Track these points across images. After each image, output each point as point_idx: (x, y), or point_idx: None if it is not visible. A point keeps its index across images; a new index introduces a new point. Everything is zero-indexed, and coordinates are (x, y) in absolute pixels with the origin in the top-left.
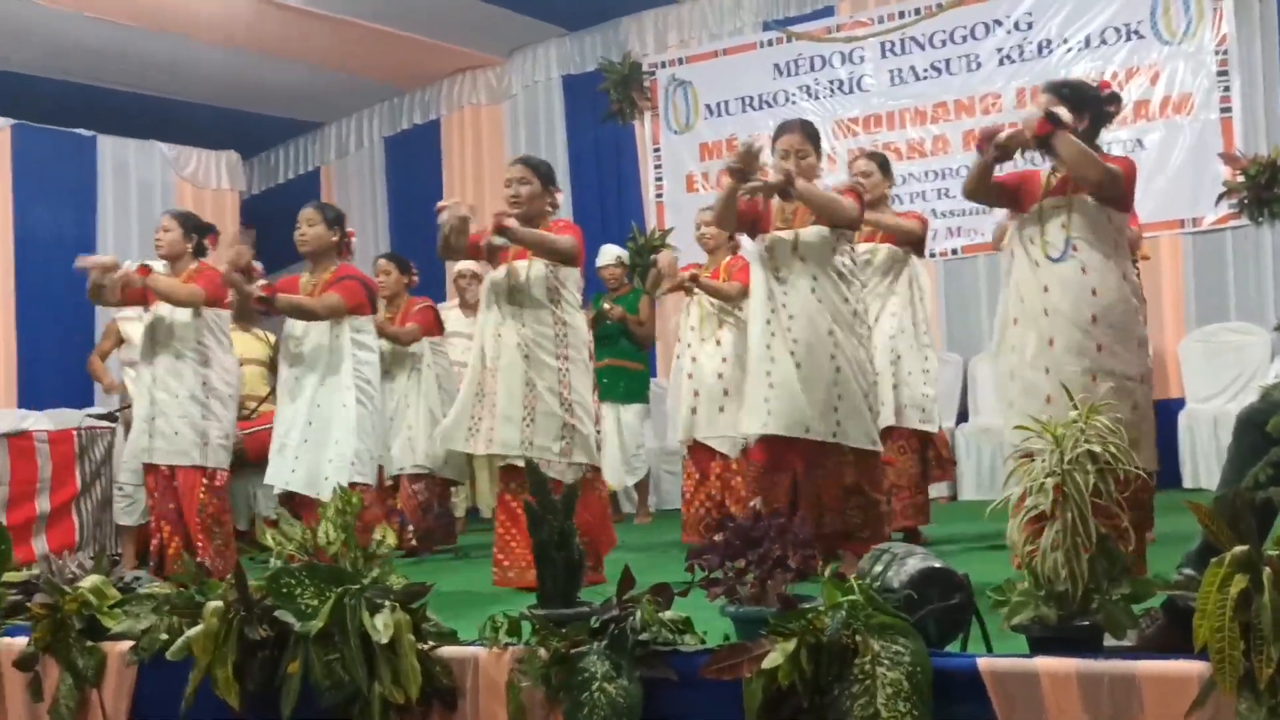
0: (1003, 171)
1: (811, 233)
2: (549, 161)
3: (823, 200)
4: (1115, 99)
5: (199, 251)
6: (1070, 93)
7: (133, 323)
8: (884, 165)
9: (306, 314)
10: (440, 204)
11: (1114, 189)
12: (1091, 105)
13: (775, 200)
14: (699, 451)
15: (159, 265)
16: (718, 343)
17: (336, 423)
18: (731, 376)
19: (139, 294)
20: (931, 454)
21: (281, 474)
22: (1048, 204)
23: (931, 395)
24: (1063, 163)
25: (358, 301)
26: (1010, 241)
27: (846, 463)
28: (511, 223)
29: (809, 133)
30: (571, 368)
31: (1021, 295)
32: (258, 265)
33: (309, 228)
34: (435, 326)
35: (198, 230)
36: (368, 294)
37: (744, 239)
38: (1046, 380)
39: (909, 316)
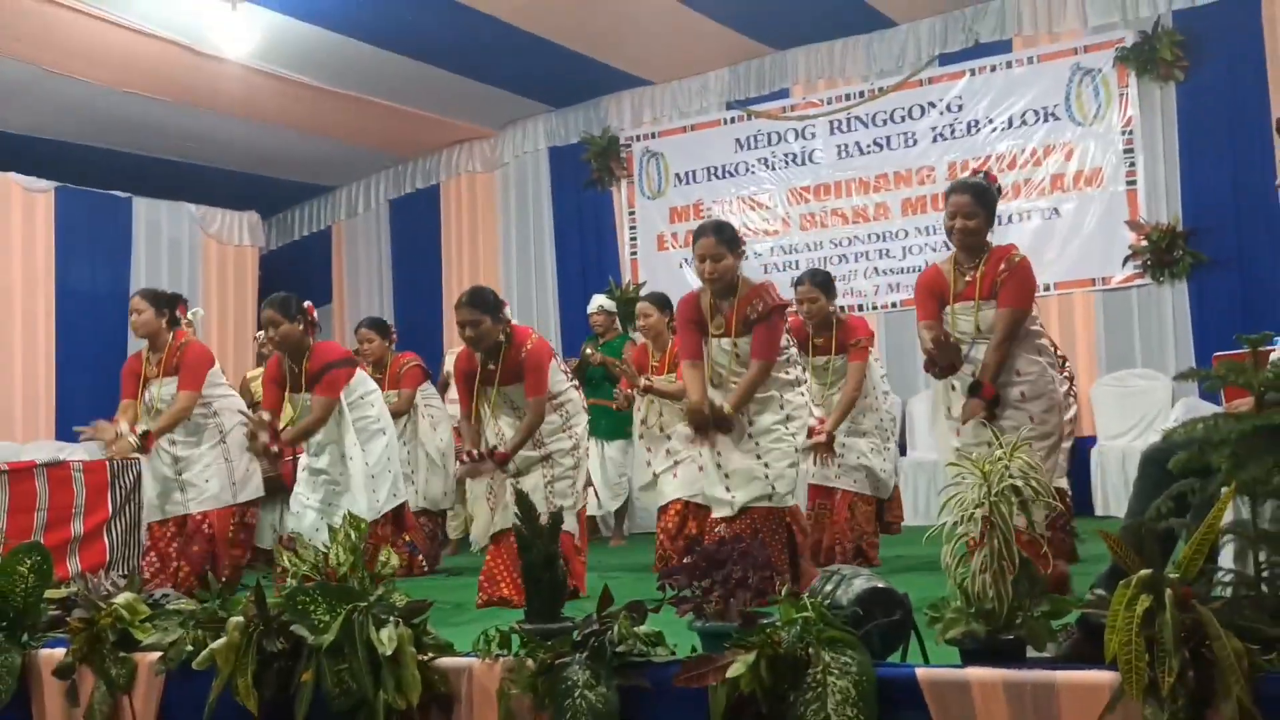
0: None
1: (745, 340)
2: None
3: (748, 393)
4: (999, 187)
5: (173, 322)
6: (986, 197)
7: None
8: (825, 285)
9: (316, 431)
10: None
11: (1024, 318)
12: (992, 201)
13: (707, 304)
14: (663, 511)
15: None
16: (668, 437)
17: (350, 479)
18: (681, 452)
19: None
20: (889, 512)
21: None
22: (958, 307)
23: (889, 470)
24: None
25: (335, 389)
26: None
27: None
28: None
29: (724, 236)
30: (574, 423)
31: (953, 383)
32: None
33: (275, 329)
34: (424, 377)
35: (168, 305)
36: (347, 374)
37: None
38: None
39: (870, 421)
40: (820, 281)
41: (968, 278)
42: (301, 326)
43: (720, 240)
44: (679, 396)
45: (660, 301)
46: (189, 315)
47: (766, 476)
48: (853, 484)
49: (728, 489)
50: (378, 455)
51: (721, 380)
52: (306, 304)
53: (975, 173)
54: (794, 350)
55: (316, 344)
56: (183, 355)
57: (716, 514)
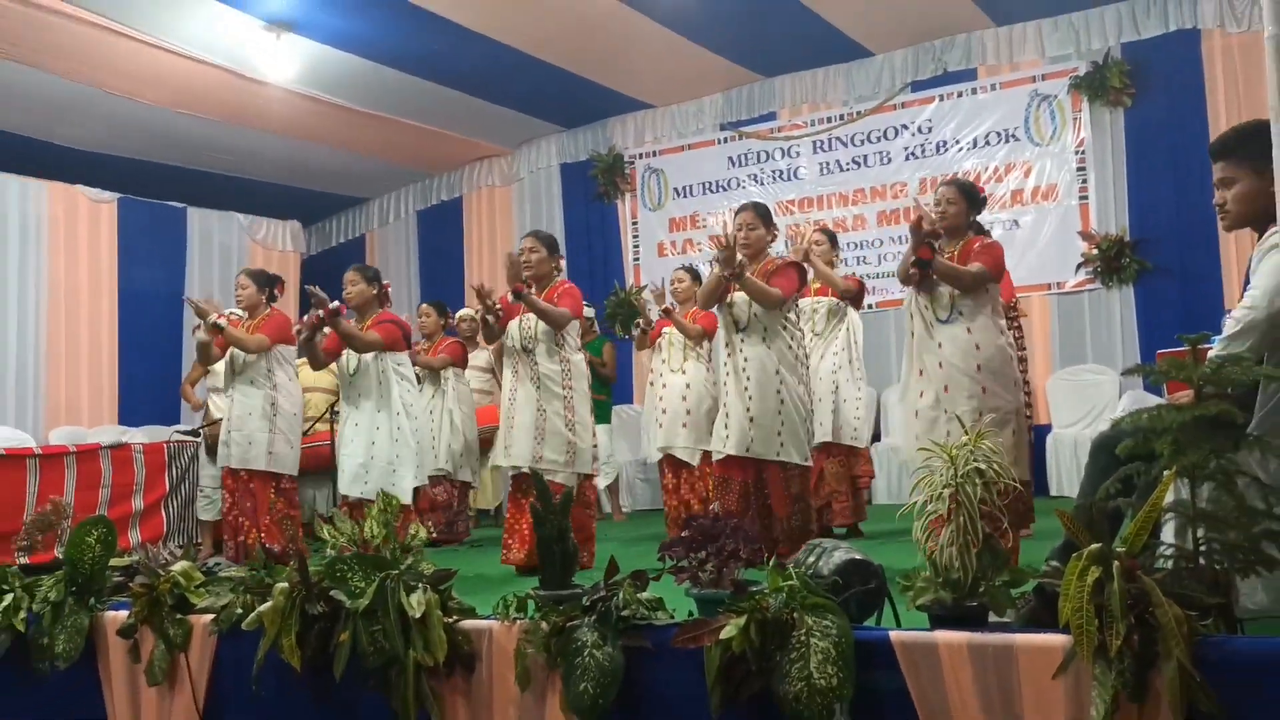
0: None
1: None
2: (551, 233)
3: (755, 292)
4: (984, 196)
5: (271, 299)
6: (967, 189)
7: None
8: (832, 238)
9: (356, 343)
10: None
11: (988, 279)
12: (973, 195)
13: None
14: (669, 461)
15: (237, 311)
16: (683, 372)
17: (391, 447)
18: (692, 400)
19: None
20: (858, 465)
21: (355, 487)
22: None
23: (862, 418)
24: (942, 278)
25: (393, 339)
26: (909, 306)
27: (792, 476)
28: (523, 288)
29: (760, 212)
30: (575, 396)
31: (920, 353)
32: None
33: (353, 286)
34: (460, 358)
35: (269, 283)
36: (403, 335)
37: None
38: (944, 418)
39: (846, 356)
40: (828, 234)
41: (946, 255)
42: (375, 292)
43: (758, 213)
44: (690, 334)
45: (693, 272)
46: (238, 312)
47: (749, 429)
48: (850, 436)
49: (725, 426)
50: (406, 431)
51: (745, 325)
52: (386, 282)
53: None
54: (801, 332)
55: (381, 312)
56: (269, 318)
57: (713, 446)
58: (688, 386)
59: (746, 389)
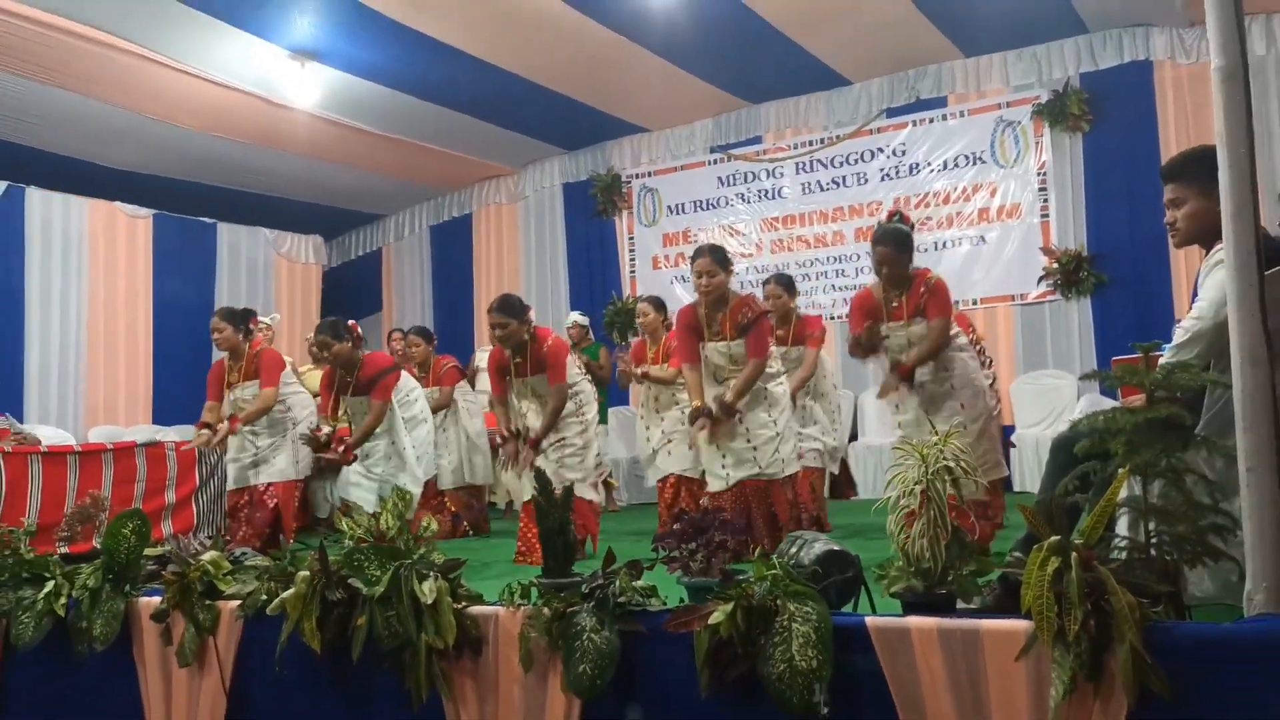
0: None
1: (740, 345)
2: (517, 299)
3: (747, 385)
4: (911, 225)
5: (247, 334)
6: (902, 242)
7: (309, 373)
8: (788, 286)
9: (375, 429)
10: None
11: (948, 330)
12: (908, 242)
13: (702, 314)
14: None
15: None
16: (662, 419)
17: (386, 467)
18: (673, 431)
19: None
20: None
21: (368, 501)
22: (892, 326)
23: (838, 446)
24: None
25: (388, 395)
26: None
27: (788, 484)
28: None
29: (716, 257)
30: (586, 421)
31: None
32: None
33: (328, 351)
34: (460, 376)
35: (242, 320)
36: (395, 379)
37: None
38: (928, 427)
39: (821, 393)
40: (784, 282)
41: (895, 304)
42: (350, 343)
43: (714, 260)
44: (670, 382)
45: (657, 303)
46: (268, 319)
47: (754, 459)
48: (814, 461)
49: (723, 466)
50: (421, 439)
51: (723, 377)
52: (351, 323)
53: (891, 214)
54: (775, 348)
55: (365, 356)
56: (260, 360)
57: (711, 488)
58: (663, 422)
59: (741, 419)
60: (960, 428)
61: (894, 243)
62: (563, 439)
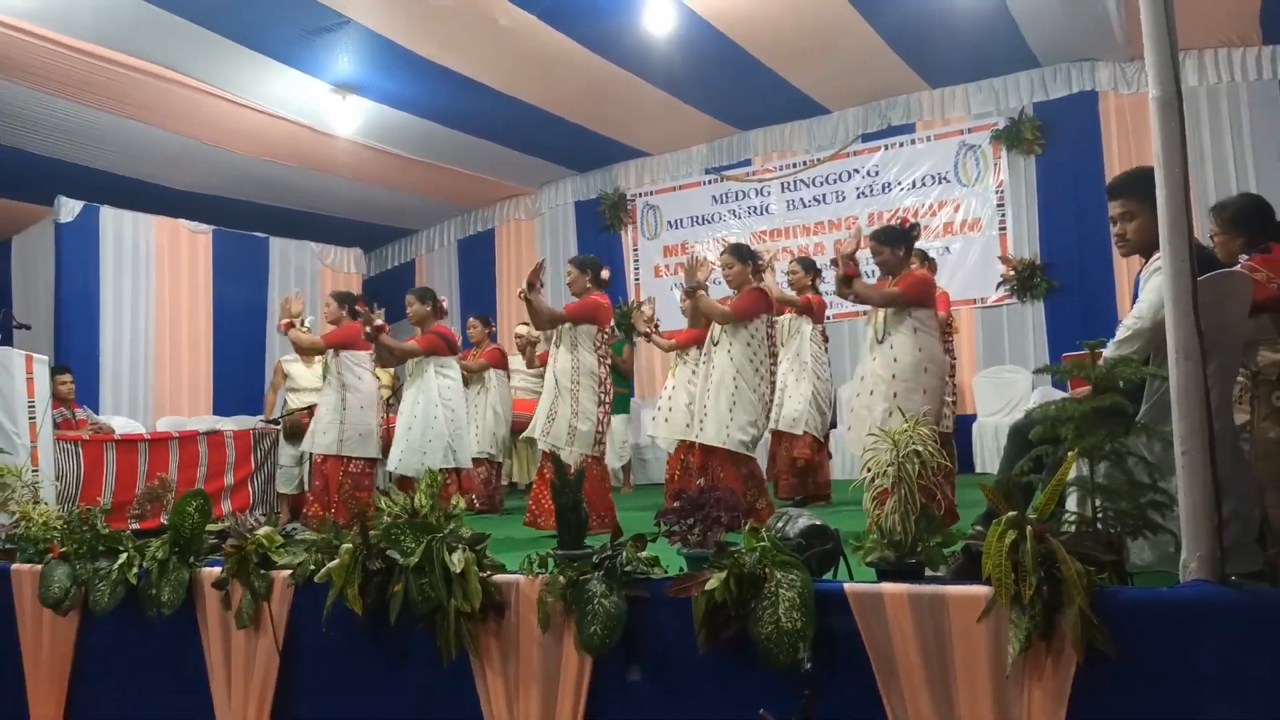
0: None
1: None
2: (582, 256)
3: (708, 310)
4: (915, 227)
5: (352, 314)
6: (888, 236)
7: (292, 364)
8: (809, 266)
9: (392, 356)
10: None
11: (901, 301)
12: (902, 239)
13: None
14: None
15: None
16: (673, 374)
17: (430, 429)
18: (677, 398)
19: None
20: (796, 448)
21: (393, 463)
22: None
23: (800, 411)
24: (860, 299)
25: (432, 349)
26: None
27: (740, 459)
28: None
29: (738, 254)
30: (580, 390)
31: (864, 364)
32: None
33: (410, 307)
34: (500, 361)
35: (349, 301)
36: (445, 343)
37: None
38: (868, 414)
39: (798, 360)
40: (739, 254)
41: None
42: (429, 309)
43: (735, 256)
44: (665, 350)
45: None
46: (307, 323)
47: (729, 426)
48: (811, 426)
49: (700, 421)
50: (445, 422)
51: (716, 340)
52: (441, 298)
53: (905, 222)
54: (763, 345)
55: (436, 325)
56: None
57: (686, 437)
58: (673, 389)
59: (717, 388)
60: (888, 411)
61: (880, 237)
62: (556, 398)
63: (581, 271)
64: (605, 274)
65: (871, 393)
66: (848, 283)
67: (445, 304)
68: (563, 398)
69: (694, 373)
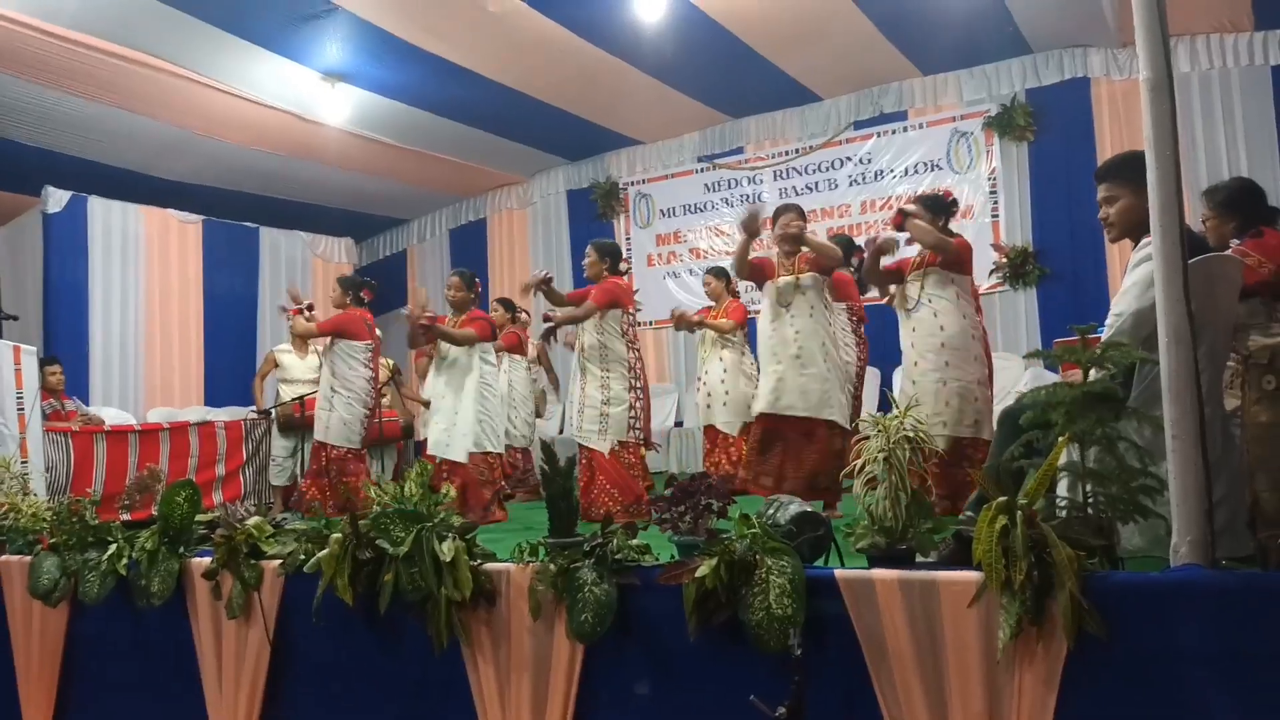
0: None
1: (809, 277)
2: (611, 243)
3: (820, 246)
4: (955, 202)
5: (357, 301)
6: (930, 202)
7: (285, 354)
8: (719, 273)
9: (453, 340)
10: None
11: (949, 253)
12: (944, 209)
13: (778, 259)
14: (710, 431)
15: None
16: (720, 360)
17: (484, 411)
18: (729, 383)
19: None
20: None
21: (439, 450)
22: (911, 275)
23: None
24: (913, 235)
25: (485, 333)
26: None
27: (836, 434)
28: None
29: (799, 211)
30: (610, 375)
31: (901, 336)
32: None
33: (453, 291)
34: (517, 342)
35: (355, 287)
36: (491, 328)
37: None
38: (913, 387)
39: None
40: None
41: (919, 255)
42: (470, 294)
43: (799, 214)
44: (723, 329)
45: (718, 272)
46: (308, 314)
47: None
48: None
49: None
50: (483, 406)
51: (788, 301)
52: (476, 281)
53: (947, 194)
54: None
55: (475, 309)
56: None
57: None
58: (725, 371)
59: (798, 356)
60: (940, 383)
61: (923, 203)
62: (585, 382)
63: (601, 257)
64: (624, 266)
65: (916, 364)
66: (901, 225)
67: (479, 286)
68: (591, 383)
69: (743, 355)
